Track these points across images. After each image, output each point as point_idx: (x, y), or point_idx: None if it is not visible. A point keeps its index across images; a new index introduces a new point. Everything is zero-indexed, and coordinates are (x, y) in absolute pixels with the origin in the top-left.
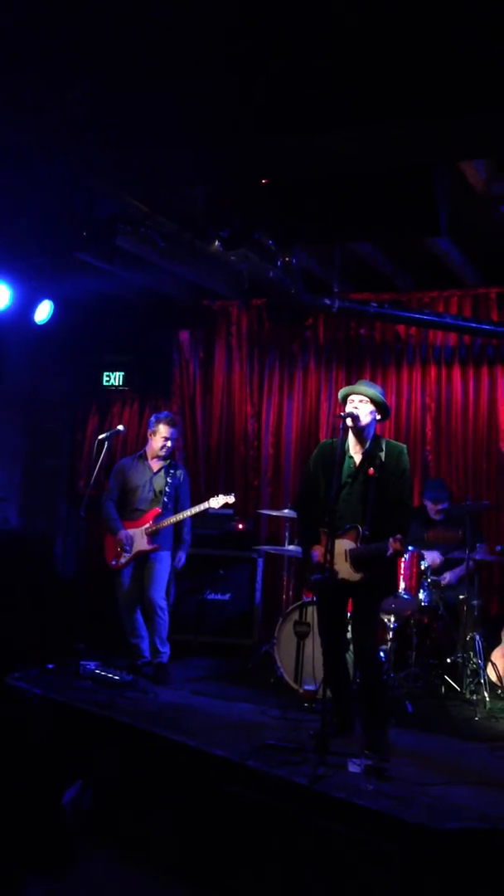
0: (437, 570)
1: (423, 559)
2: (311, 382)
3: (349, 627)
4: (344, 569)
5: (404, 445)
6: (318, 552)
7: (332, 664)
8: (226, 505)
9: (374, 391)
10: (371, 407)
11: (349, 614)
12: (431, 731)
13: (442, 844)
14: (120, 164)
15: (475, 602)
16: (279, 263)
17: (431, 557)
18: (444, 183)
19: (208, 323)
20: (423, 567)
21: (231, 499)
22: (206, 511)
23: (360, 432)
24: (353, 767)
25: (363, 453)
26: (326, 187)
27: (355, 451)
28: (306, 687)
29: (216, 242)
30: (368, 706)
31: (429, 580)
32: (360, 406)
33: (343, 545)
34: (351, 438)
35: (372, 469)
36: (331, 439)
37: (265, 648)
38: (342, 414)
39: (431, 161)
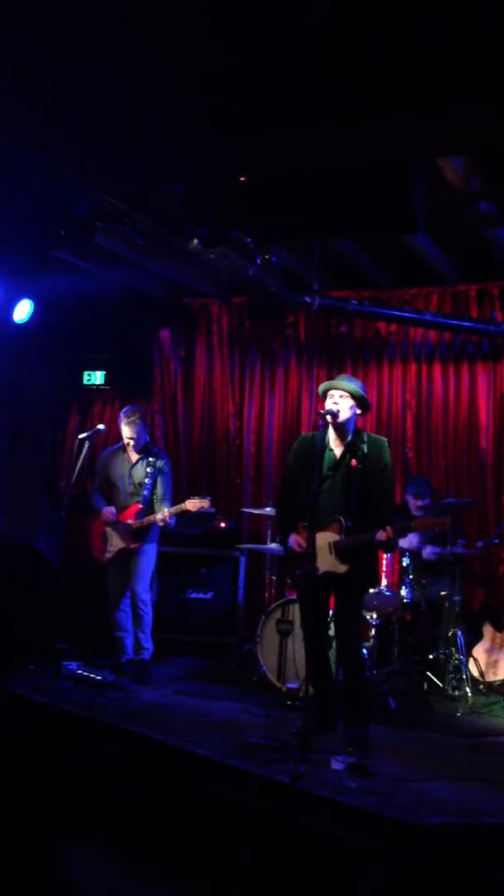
0: (416, 554)
1: (405, 555)
2: (293, 380)
3: (331, 624)
4: (328, 561)
5: (385, 439)
6: (294, 539)
7: (314, 661)
8: (202, 508)
9: (354, 386)
10: (351, 402)
11: (332, 611)
12: (414, 728)
13: (425, 840)
14: (97, 162)
15: (457, 598)
16: (258, 261)
17: (409, 541)
18: (420, 180)
19: (189, 321)
20: (404, 564)
21: (206, 502)
22: (184, 512)
23: (340, 427)
24: (336, 765)
25: (344, 446)
26: (303, 185)
27: (336, 445)
28: (289, 685)
29: (195, 240)
30: (350, 702)
31: (411, 577)
32: (341, 402)
33: (326, 538)
34: (331, 432)
35: (355, 461)
36: (311, 433)
37: (248, 647)
38: (322, 412)
39: (408, 158)
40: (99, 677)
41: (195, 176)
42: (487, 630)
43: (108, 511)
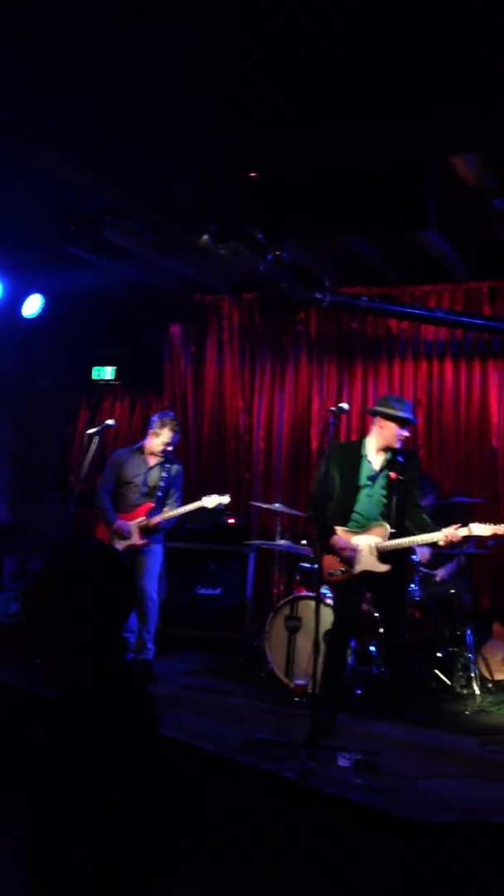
0: (429, 565)
1: (414, 553)
2: (303, 376)
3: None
4: (369, 562)
5: (416, 450)
6: (342, 540)
7: (336, 663)
8: (219, 505)
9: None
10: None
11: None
12: (422, 725)
13: (432, 838)
14: (108, 158)
15: (466, 596)
16: (269, 257)
17: (421, 552)
18: (432, 177)
19: (199, 317)
20: (414, 560)
21: (226, 499)
22: (201, 509)
23: (388, 447)
24: (343, 762)
25: (384, 459)
26: (315, 181)
27: (374, 457)
28: (297, 681)
29: (205, 236)
30: (400, 683)
31: (421, 574)
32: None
33: (367, 540)
34: (370, 444)
35: (394, 473)
36: (346, 441)
37: (256, 643)
38: (333, 409)
39: (420, 155)
40: None
41: (206, 172)
42: (496, 629)
43: (119, 524)
